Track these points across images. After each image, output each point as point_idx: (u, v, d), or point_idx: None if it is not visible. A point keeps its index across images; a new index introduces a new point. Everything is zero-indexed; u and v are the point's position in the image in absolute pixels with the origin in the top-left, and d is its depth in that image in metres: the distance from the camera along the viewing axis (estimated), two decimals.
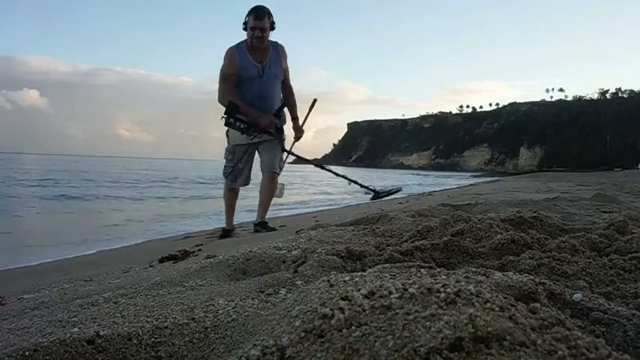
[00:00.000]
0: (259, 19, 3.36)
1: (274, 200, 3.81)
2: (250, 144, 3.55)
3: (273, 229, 3.47)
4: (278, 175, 3.66)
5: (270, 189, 3.65)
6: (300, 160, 4.03)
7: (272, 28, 3.50)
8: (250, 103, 3.45)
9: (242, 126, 3.35)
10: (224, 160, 3.68)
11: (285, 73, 3.68)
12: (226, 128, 3.52)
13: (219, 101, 3.46)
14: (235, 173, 3.60)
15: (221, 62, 3.55)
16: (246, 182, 3.67)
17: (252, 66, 3.47)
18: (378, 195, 4.02)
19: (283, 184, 3.83)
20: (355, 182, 3.93)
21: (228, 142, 3.63)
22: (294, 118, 3.77)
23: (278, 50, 3.60)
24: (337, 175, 4.07)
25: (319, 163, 4.26)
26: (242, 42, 3.51)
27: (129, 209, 8.38)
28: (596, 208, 2.85)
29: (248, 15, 3.40)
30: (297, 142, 3.83)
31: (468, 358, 0.47)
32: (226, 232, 3.66)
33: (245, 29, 3.43)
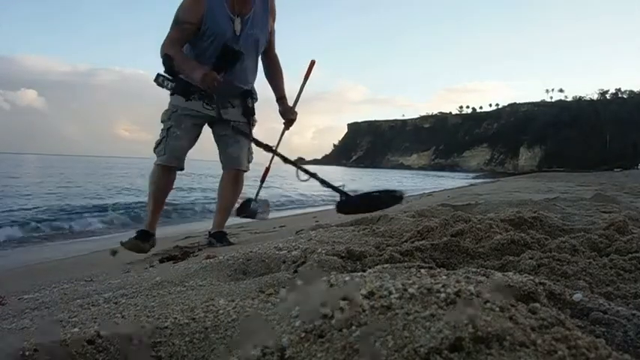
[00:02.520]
0: None
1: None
2: (202, 116, 2.54)
3: (230, 244, 2.62)
4: (245, 172, 2.68)
5: (235, 192, 2.71)
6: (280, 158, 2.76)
7: None
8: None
9: (170, 85, 2.33)
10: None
11: (271, 37, 2.67)
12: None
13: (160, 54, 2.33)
14: (169, 142, 2.50)
15: None
16: (181, 161, 2.59)
17: (226, 18, 2.42)
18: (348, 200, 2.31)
19: (267, 201, 2.89)
20: (327, 183, 2.56)
21: (170, 102, 2.58)
22: (281, 98, 2.77)
23: (267, 2, 2.56)
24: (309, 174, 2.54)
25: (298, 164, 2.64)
26: None
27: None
28: (596, 209, 2.85)
29: None
30: (287, 131, 2.80)
31: (468, 358, 0.47)
32: (142, 236, 2.54)
33: None
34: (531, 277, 0.82)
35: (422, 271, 0.83)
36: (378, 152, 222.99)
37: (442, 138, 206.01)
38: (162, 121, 2.59)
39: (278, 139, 2.78)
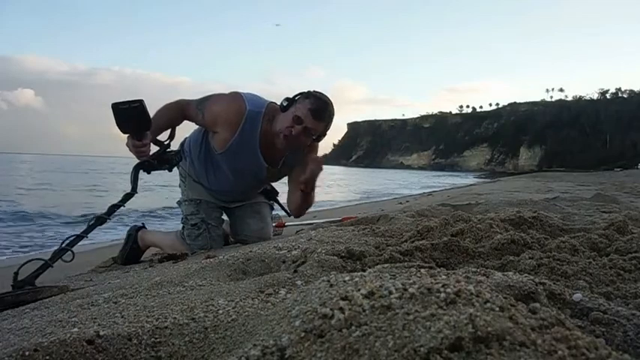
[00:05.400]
0: (319, 119, 2.10)
1: None
2: (220, 205, 2.49)
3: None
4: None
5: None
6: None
7: (320, 137, 2.20)
8: (230, 193, 2.42)
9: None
10: (182, 212, 2.47)
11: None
12: (180, 172, 2.47)
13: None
14: (211, 233, 2.39)
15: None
16: (222, 244, 2.50)
17: (254, 162, 2.24)
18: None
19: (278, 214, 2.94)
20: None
21: (185, 192, 2.48)
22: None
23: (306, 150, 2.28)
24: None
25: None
26: (265, 109, 2.18)
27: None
28: (596, 208, 2.85)
29: (303, 99, 2.11)
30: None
31: (468, 358, 0.47)
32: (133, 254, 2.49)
33: (284, 109, 2.12)
34: (531, 277, 0.82)
35: (422, 270, 0.83)
36: (378, 152, 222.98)
37: (442, 138, 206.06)
38: (188, 215, 2.41)
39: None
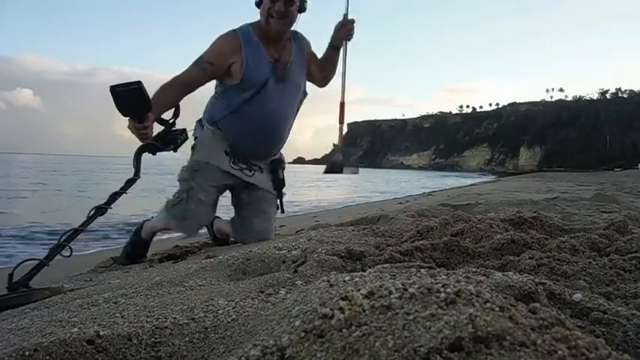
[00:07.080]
0: None
1: None
2: (227, 177, 2.26)
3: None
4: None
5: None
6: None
7: (302, 8, 2.24)
8: (256, 129, 2.24)
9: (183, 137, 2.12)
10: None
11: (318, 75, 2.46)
12: (193, 139, 2.32)
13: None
14: (190, 207, 2.16)
15: None
16: (200, 227, 2.31)
17: (265, 63, 2.21)
18: None
19: (357, 168, 2.88)
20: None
21: (192, 157, 2.29)
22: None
23: (302, 46, 2.38)
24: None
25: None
26: (251, 24, 2.25)
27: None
28: (596, 208, 2.85)
29: None
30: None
31: (468, 358, 0.47)
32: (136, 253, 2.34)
33: (258, 3, 2.19)
34: (531, 277, 0.82)
35: (422, 270, 0.83)
36: (377, 152, 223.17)
37: (442, 138, 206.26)
38: (180, 180, 2.24)
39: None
